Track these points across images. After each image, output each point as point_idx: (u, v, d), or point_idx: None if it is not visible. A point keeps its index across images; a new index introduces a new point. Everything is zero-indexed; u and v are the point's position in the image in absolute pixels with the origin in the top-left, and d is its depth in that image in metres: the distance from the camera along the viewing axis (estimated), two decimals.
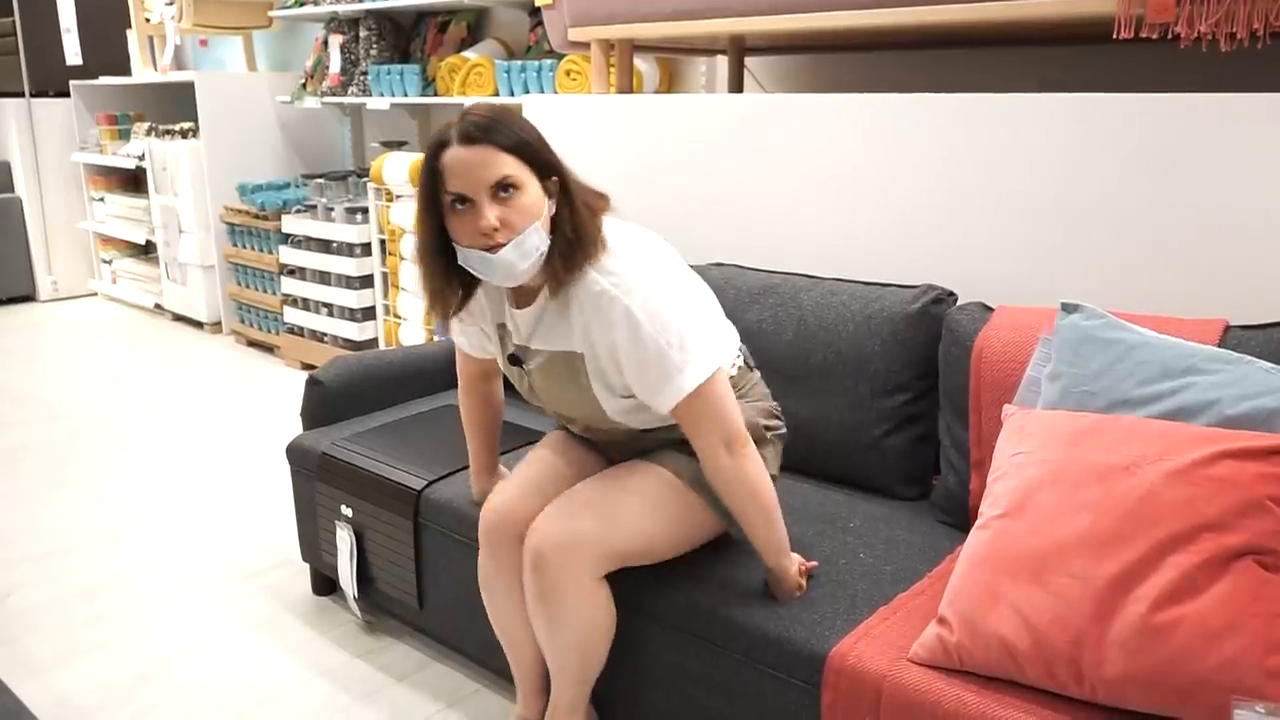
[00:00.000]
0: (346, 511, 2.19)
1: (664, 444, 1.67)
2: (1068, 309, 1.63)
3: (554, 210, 1.46)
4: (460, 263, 1.47)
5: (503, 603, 1.72)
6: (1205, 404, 1.42)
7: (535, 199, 1.42)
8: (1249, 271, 1.72)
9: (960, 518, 1.80)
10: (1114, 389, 1.50)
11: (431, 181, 1.43)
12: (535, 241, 1.42)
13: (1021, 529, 1.35)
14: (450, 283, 1.53)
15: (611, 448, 1.77)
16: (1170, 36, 1.72)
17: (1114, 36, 1.77)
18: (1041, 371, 1.64)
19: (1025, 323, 1.75)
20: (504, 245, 1.40)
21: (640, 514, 1.56)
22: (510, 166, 1.40)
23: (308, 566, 2.49)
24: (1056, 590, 1.28)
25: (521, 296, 1.56)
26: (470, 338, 1.74)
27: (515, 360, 1.61)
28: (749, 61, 3.27)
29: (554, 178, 1.46)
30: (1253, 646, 1.17)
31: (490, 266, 1.43)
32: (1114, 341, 1.54)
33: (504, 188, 1.40)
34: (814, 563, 1.63)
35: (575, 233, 1.45)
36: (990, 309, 1.84)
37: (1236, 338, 1.57)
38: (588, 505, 1.56)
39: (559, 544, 1.51)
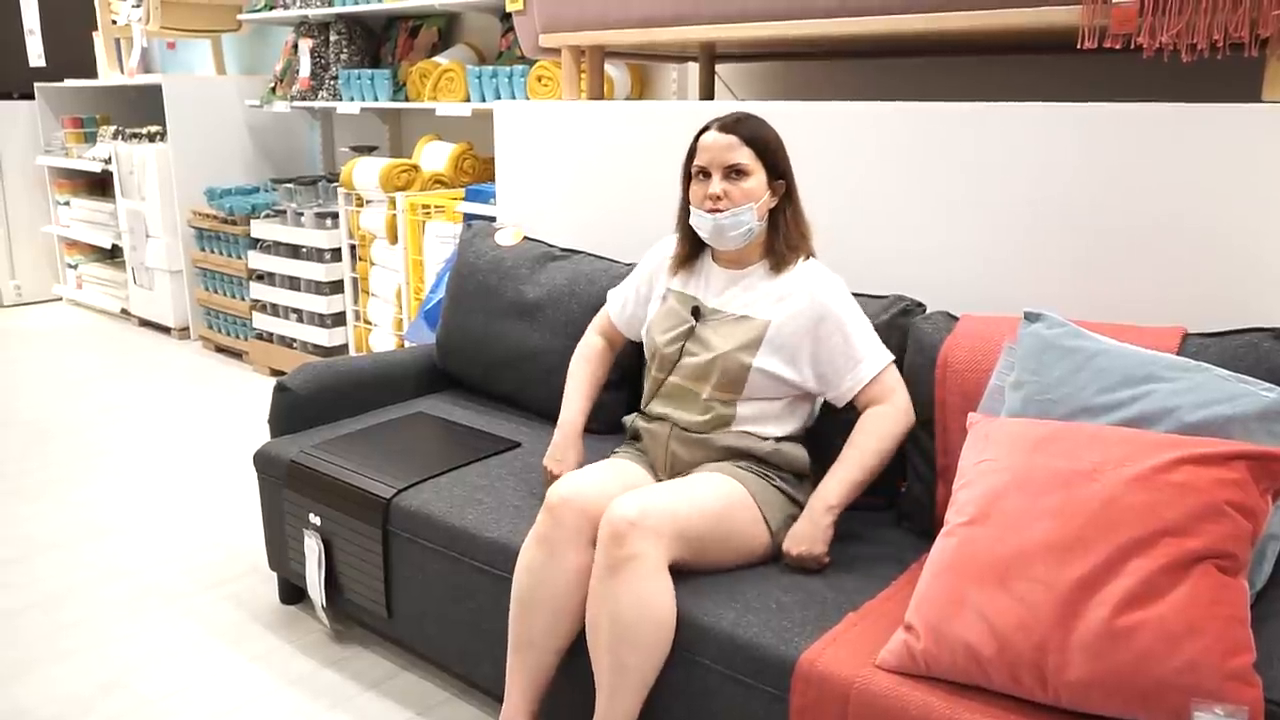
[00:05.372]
0: (315, 519, 2.17)
1: (718, 458, 1.82)
2: (1030, 318, 1.65)
3: (774, 206, 1.81)
4: (688, 220, 1.86)
5: (540, 594, 1.68)
6: (1165, 411, 1.44)
7: (757, 187, 1.78)
8: (1207, 280, 1.75)
9: (926, 525, 1.82)
10: (1075, 397, 1.52)
11: (688, 155, 1.84)
12: (747, 218, 1.78)
13: (987, 535, 1.36)
14: (690, 241, 1.90)
15: (666, 451, 1.87)
16: (1133, 47, 1.74)
17: (1078, 46, 1.80)
18: (1005, 380, 1.66)
19: (989, 332, 1.77)
20: (722, 212, 1.76)
21: (707, 503, 1.68)
22: (746, 158, 1.76)
23: (275, 575, 2.46)
24: (1021, 596, 1.29)
25: (731, 263, 1.87)
26: (629, 305, 2.04)
27: (696, 313, 1.87)
28: (720, 68, 3.29)
29: (780, 181, 1.81)
30: (1212, 649, 1.19)
31: (705, 223, 1.80)
32: (1075, 350, 1.56)
33: (736, 171, 1.76)
34: (828, 560, 1.71)
35: (798, 229, 1.84)
36: (955, 318, 1.86)
37: (1195, 345, 1.60)
38: (662, 490, 1.68)
39: (637, 515, 1.58)
